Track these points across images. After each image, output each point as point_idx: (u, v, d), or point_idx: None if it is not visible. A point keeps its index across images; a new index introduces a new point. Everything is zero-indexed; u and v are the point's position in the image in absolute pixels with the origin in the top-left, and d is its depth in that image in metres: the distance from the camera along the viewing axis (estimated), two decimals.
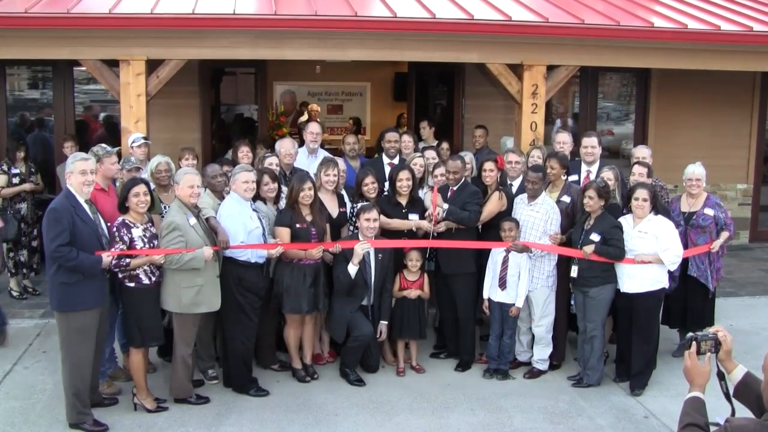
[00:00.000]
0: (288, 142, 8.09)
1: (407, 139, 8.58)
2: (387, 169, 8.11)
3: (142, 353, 6.43)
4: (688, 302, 7.74)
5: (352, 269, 6.86)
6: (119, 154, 7.57)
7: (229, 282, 6.58)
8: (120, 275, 6.16)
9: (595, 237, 6.86)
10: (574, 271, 7.01)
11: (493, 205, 7.45)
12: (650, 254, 6.86)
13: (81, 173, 5.89)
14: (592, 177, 7.79)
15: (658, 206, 7.08)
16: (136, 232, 6.14)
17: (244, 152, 8.14)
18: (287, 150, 7.92)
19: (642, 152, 8.15)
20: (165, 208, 6.96)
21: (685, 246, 7.42)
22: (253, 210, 6.76)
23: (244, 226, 6.57)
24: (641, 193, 6.90)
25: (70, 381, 6.00)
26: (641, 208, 6.90)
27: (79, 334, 5.93)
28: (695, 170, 7.67)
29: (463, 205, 7.29)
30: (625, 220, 7.04)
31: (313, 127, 8.70)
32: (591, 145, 7.94)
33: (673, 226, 7.06)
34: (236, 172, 6.73)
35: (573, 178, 7.89)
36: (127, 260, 6.08)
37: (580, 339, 7.24)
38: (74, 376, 5.99)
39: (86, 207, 5.92)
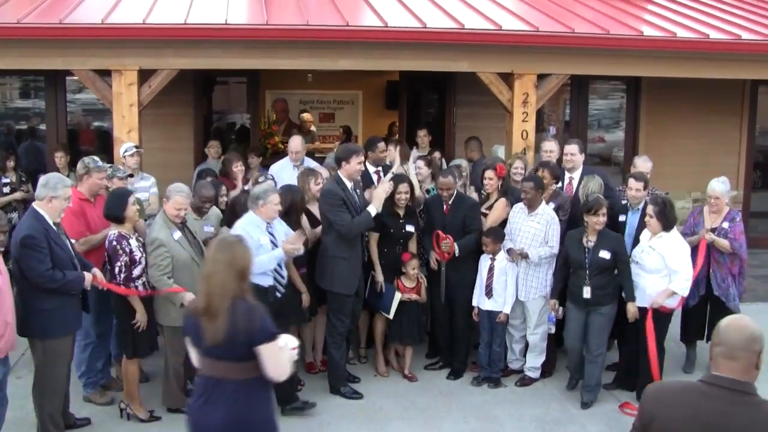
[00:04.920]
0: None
1: (391, 149, 8.63)
2: (374, 178, 8.15)
3: (137, 363, 6.45)
4: (710, 319, 7.58)
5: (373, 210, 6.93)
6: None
7: None
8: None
9: (605, 254, 6.78)
10: (587, 292, 6.82)
11: (499, 212, 7.54)
12: (661, 291, 6.79)
13: (66, 200, 5.85)
14: (575, 183, 7.85)
15: (670, 218, 6.80)
16: (133, 243, 6.18)
17: (238, 167, 8.20)
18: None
19: (644, 165, 8.07)
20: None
21: (707, 262, 7.42)
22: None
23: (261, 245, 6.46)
24: (648, 209, 6.86)
25: (44, 405, 5.94)
26: (650, 225, 6.85)
27: (57, 359, 5.88)
28: (714, 187, 7.53)
29: (464, 220, 7.35)
30: (645, 233, 6.97)
31: (294, 145, 8.74)
32: (570, 152, 7.93)
33: (684, 247, 6.90)
34: (267, 192, 6.53)
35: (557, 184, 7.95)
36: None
37: (571, 357, 7.15)
38: (49, 400, 5.93)
39: (55, 229, 5.83)
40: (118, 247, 6.08)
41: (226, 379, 4.05)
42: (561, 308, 7.10)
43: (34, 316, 5.74)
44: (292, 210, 6.93)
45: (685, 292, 6.89)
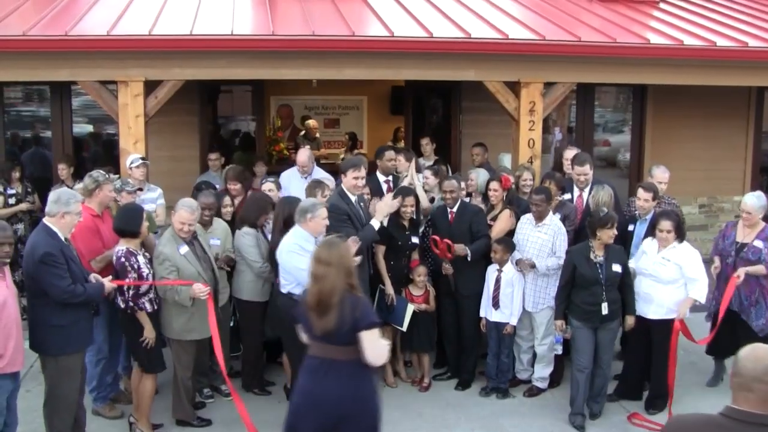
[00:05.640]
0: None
1: (398, 156, 8.63)
2: (384, 187, 8.15)
3: (153, 379, 6.42)
4: (739, 335, 7.31)
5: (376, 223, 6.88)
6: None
7: (286, 316, 6.07)
8: (123, 305, 6.15)
9: (617, 268, 6.71)
10: (605, 309, 6.68)
11: (504, 223, 7.53)
12: (684, 302, 6.83)
13: (77, 215, 5.83)
14: (585, 196, 7.84)
15: (684, 230, 6.95)
16: (141, 260, 6.15)
17: (234, 186, 8.16)
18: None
19: (662, 176, 8.01)
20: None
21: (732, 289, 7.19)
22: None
23: None
24: (665, 225, 6.81)
25: (55, 422, 5.90)
26: (665, 240, 6.83)
27: (70, 375, 5.84)
28: (747, 201, 7.27)
29: (470, 226, 7.35)
30: (650, 244, 6.99)
31: (302, 160, 8.73)
32: (584, 173, 7.88)
33: (698, 255, 6.92)
34: (316, 206, 6.35)
35: (566, 196, 7.93)
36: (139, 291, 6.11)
37: (578, 372, 6.88)
38: (60, 418, 5.89)
39: (67, 244, 5.81)
40: (127, 263, 6.05)
41: (335, 359, 4.60)
42: (568, 327, 6.92)
43: (48, 332, 5.69)
44: (290, 221, 6.91)
45: (704, 299, 6.94)
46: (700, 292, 6.85)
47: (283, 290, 6.35)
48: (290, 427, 4.76)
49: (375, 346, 4.59)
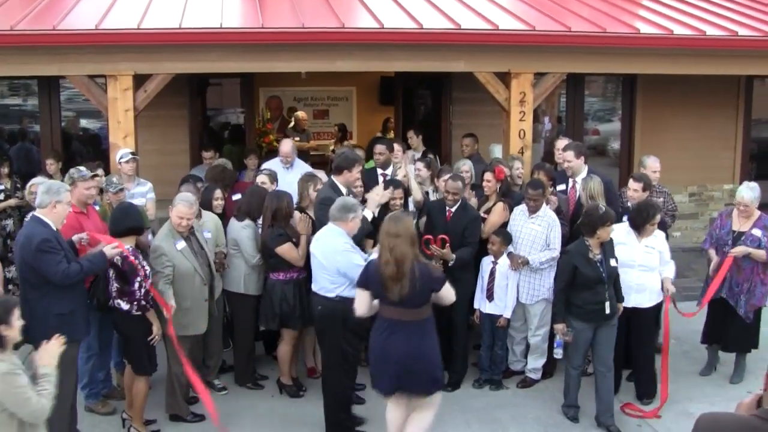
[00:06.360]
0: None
1: (397, 148, 8.61)
2: (380, 179, 8.12)
3: (146, 379, 6.37)
4: (727, 322, 7.51)
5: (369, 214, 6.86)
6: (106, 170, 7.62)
7: (333, 323, 6.16)
8: (127, 306, 6.05)
9: (614, 262, 6.63)
10: (608, 308, 6.51)
11: (497, 216, 7.52)
12: (667, 281, 7.07)
13: (68, 204, 5.83)
14: (578, 187, 7.78)
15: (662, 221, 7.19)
16: (144, 258, 6.14)
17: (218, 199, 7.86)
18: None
19: (654, 165, 8.07)
20: None
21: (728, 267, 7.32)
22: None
23: (361, 254, 6.21)
24: (659, 218, 6.95)
25: (51, 418, 5.87)
26: (650, 231, 6.95)
27: (66, 367, 5.69)
28: (744, 195, 7.31)
29: (463, 231, 7.25)
30: (628, 234, 7.00)
31: (285, 148, 8.78)
32: (567, 159, 7.84)
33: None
34: (356, 206, 6.26)
35: (561, 187, 7.92)
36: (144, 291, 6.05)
37: (572, 369, 6.84)
38: (57, 413, 5.66)
39: (59, 234, 5.79)
40: (138, 264, 5.97)
41: (403, 320, 5.40)
42: (569, 330, 6.63)
43: (50, 321, 5.60)
44: (278, 215, 6.91)
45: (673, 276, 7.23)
46: (673, 271, 7.19)
47: (331, 294, 6.18)
48: (374, 377, 5.72)
49: (451, 294, 5.59)
